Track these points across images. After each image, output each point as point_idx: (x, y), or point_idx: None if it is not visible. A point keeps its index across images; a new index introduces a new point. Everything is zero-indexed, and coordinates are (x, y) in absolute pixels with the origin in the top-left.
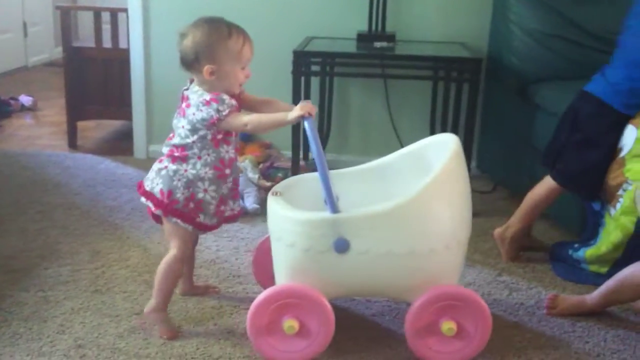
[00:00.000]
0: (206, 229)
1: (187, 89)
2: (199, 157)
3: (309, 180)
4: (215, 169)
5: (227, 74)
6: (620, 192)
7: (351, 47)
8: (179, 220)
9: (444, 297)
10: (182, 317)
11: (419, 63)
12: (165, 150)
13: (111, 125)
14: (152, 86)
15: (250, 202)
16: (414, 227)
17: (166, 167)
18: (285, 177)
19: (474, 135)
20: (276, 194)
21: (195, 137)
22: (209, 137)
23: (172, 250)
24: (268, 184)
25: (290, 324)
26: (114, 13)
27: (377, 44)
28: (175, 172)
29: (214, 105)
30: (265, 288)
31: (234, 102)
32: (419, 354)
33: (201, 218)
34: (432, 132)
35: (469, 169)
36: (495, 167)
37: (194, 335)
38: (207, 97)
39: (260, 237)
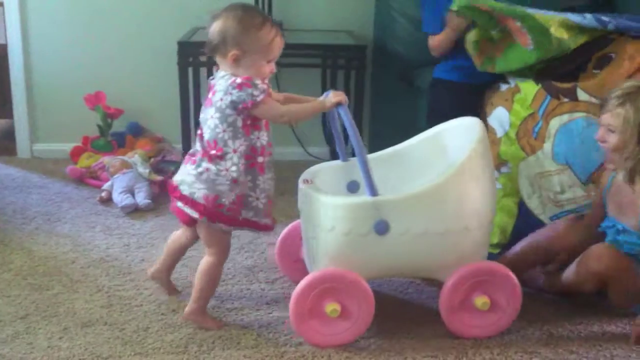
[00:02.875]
0: (255, 227)
1: (212, 78)
2: (235, 151)
3: (328, 169)
4: (246, 158)
5: (252, 64)
6: (496, 174)
7: None
8: (222, 225)
9: (477, 274)
10: (69, 318)
11: (307, 51)
12: (198, 147)
13: None
14: (34, 82)
15: (141, 198)
16: (449, 206)
17: (207, 169)
18: (177, 170)
19: (363, 121)
20: (308, 182)
21: (225, 124)
22: (239, 123)
23: (211, 257)
24: (159, 178)
25: (332, 307)
26: None
27: None
28: (217, 174)
29: (248, 89)
30: (292, 278)
31: (266, 86)
32: (455, 329)
33: (244, 214)
34: (324, 119)
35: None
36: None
37: (81, 336)
38: (239, 80)
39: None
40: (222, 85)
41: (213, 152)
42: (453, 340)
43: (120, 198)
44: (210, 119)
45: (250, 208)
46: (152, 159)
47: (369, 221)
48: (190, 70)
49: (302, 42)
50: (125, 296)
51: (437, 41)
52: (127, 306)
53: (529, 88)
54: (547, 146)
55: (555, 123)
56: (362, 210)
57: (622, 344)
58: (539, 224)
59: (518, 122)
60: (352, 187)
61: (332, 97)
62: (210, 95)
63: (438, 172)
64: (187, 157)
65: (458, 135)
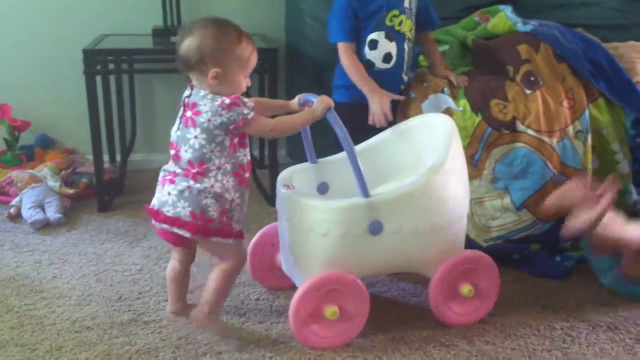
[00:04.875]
0: (242, 236)
1: (189, 97)
2: (219, 168)
3: (299, 172)
4: (236, 176)
5: (232, 80)
6: None
7: (147, 43)
8: (219, 239)
9: (462, 263)
10: None
11: None
12: (174, 168)
13: None
14: None
15: (52, 212)
16: (436, 203)
17: (189, 187)
18: (90, 182)
19: None
20: (289, 187)
21: (213, 145)
22: (227, 143)
23: (226, 264)
24: (71, 191)
25: (332, 310)
26: None
27: (174, 39)
28: (201, 191)
29: (237, 109)
30: (265, 285)
31: (253, 103)
32: (445, 319)
33: (235, 227)
34: None
35: (279, 158)
36: (304, 155)
37: None
38: (227, 101)
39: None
40: (208, 106)
41: (195, 171)
42: (383, 336)
43: (30, 214)
44: (193, 139)
45: (236, 221)
46: (63, 172)
47: (363, 222)
48: (99, 79)
49: None
50: (37, 315)
51: (349, 64)
52: (40, 326)
53: (470, 119)
54: (487, 174)
55: (496, 153)
56: (356, 212)
57: (536, 332)
58: (478, 247)
59: None
60: (322, 189)
61: (321, 104)
62: (189, 114)
63: (409, 168)
64: (161, 178)
65: (427, 132)
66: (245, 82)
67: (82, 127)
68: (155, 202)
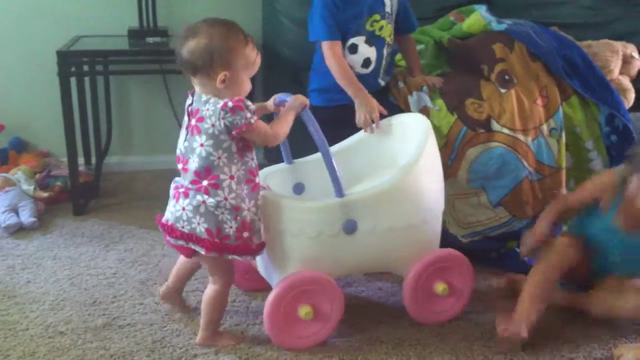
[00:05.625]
0: (263, 247)
1: (191, 104)
2: (232, 177)
3: (275, 172)
4: (248, 183)
5: (239, 82)
6: None
7: (123, 44)
8: (235, 256)
9: (437, 261)
10: None
11: None
12: (185, 182)
13: None
14: None
15: (26, 216)
16: (410, 201)
17: (204, 202)
18: (64, 185)
19: None
20: (265, 187)
21: (220, 151)
22: (234, 148)
23: (217, 286)
24: (45, 195)
25: (306, 310)
26: None
27: (150, 40)
28: (217, 205)
29: (241, 112)
30: (242, 288)
31: (254, 107)
32: (420, 318)
33: (255, 240)
34: None
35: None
36: (280, 156)
37: None
38: (230, 103)
39: None
40: (210, 110)
41: (206, 182)
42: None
43: (3, 218)
44: (199, 147)
45: (256, 231)
46: (37, 175)
47: (337, 222)
48: (73, 80)
49: None
50: (10, 321)
51: (334, 63)
52: (12, 331)
53: (445, 118)
54: (462, 174)
55: (472, 153)
56: (331, 212)
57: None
58: (458, 243)
59: None
60: (298, 189)
61: (294, 100)
62: (193, 122)
63: (386, 167)
64: (173, 191)
65: (402, 131)
66: (248, 85)
67: (57, 129)
68: (168, 216)
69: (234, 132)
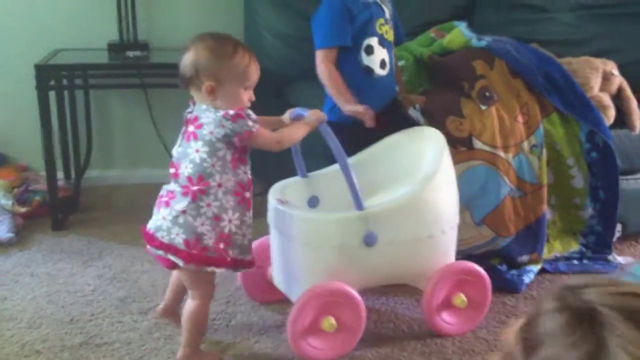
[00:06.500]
0: (242, 265)
1: (191, 112)
2: (220, 185)
3: (291, 185)
4: (236, 195)
5: (230, 94)
6: None
7: (103, 57)
8: (214, 268)
9: (456, 273)
10: None
11: (175, 71)
12: (173, 187)
13: None
14: None
15: (3, 231)
16: (429, 213)
17: (184, 211)
18: (43, 200)
19: None
20: (283, 202)
21: (215, 158)
22: (229, 157)
23: (196, 301)
24: (23, 209)
25: (329, 322)
26: None
27: (130, 54)
28: (197, 213)
29: (242, 121)
30: (257, 300)
31: (256, 117)
32: (437, 329)
33: (231, 253)
34: None
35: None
36: (267, 171)
37: None
38: (231, 112)
39: None
40: (210, 117)
41: (195, 187)
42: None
43: None
44: (194, 153)
45: (236, 246)
46: (15, 190)
47: (358, 234)
48: (53, 94)
49: (168, 62)
50: None
51: (325, 70)
52: None
53: None
54: None
55: (454, 171)
56: (352, 224)
57: (493, 348)
58: None
59: None
60: (312, 203)
61: (312, 115)
62: (191, 128)
63: (400, 179)
64: (158, 200)
65: (416, 143)
66: (246, 95)
67: (35, 143)
68: (151, 225)
69: (235, 139)
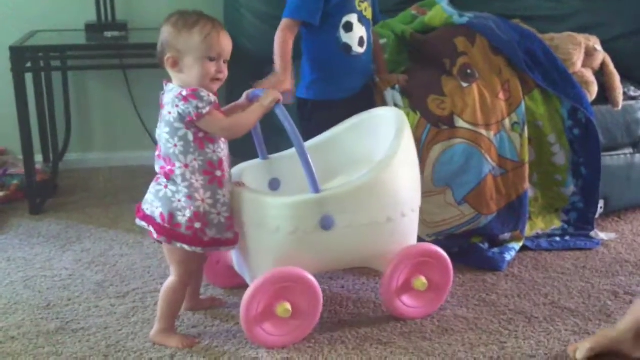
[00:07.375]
0: (221, 244)
1: (163, 93)
2: (186, 166)
3: (250, 168)
4: (205, 174)
5: (193, 65)
6: None
7: (80, 38)
8: (185, 245)
9: (416, 256)
10: None
11: (155, 51)
12: (157, 167)
13: None
14: None
15: None
16: (388, 196)
17: (165, 186)
18: (21, 184)
19: None
20: (240, 184)
21: (176, 139)
22: (191, 137)
23: (173, 277)
24: (1, 194)
25: (284, 307)
26: None
27: (108, 34)
28: (174, 192)
29: (193, 102)
30: (218, 285)
31: (213, 98)
32: (397, 313)
33: (209, 233)
34: None
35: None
36: (248, 151)
37: None
38: (185, 92)
39: None
40: (169, 98)
41: (168, 168)
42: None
43: None
44: (164, 134)
45: (213, 225)
46: None
47: (314, 218)
48: (30, 76)
49: (148, 42)
50: None
51: (281, 38)
52: None
53: (409, 118)
54: (427, 173)
55: (435, 150)
56: (308, 208)
57: (472, 326)
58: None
59: None
60: (274, 185)
61: (267, 96)
62: (162, 110)
63: (362, 161)
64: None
65: (379, 125)
66: (214, 67)
67: (13, 126)
68: (144, 199)
69: (186, 120)
